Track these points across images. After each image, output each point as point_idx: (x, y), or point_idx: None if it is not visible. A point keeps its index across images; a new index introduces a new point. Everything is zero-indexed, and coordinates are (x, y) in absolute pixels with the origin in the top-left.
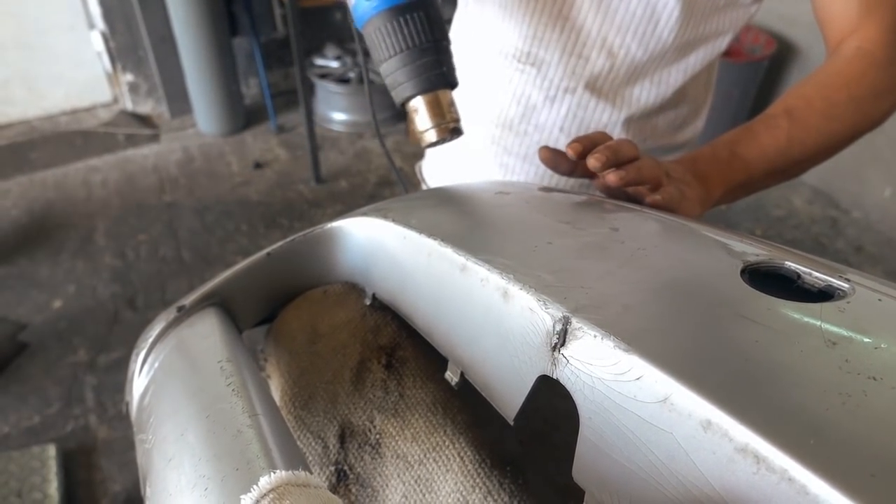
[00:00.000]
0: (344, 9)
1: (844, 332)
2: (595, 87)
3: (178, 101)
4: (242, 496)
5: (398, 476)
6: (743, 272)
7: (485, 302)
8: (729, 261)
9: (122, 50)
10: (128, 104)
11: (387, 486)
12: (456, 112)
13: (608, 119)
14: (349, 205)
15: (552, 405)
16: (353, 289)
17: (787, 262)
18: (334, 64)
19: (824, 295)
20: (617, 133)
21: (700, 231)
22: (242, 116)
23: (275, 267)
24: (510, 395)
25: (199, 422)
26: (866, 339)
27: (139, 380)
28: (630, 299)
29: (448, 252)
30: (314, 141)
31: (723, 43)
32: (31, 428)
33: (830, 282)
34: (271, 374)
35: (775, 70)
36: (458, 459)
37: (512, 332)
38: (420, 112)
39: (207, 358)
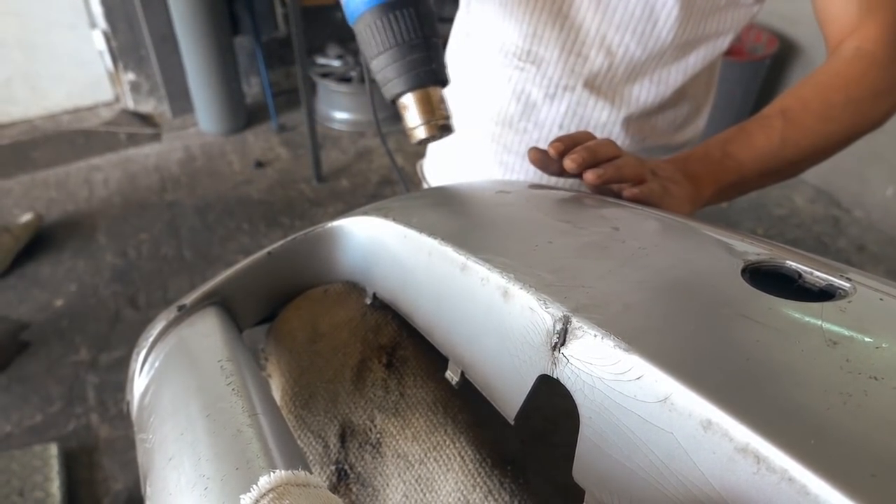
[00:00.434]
0: None
1: (845, 332)
2: (594, 85)
3: (180, 100)
4: (242, 496)
5: (399, 475)
6: (744, 271)
7: (485, 301)
8: (730, 260)
9: (123, 49)
10: (129, 103)
11: (387, 485)
12: (446, 109)
13: (608, 117)
14: (350, 204)
15: (552, 404)
16: (354, 288)
17: (787, 262)
18: (336, 63)
19: (825, 294)
20: (616, 132)
21: (701, 230)
22: (244, 115)
23: (275, 266)
24: (511, 394)
25: (199, 421)
26: (867, 339)
27: (140, 379)
28: (630, 299)
29: (448, 251)
30: (315, 140)
31: (724, 43)
32: (32, 427)
33: (831, 281)
34: (272, 373)
35: (777, 69)
36: (458, 459)
37: (512, 332)
38: (410, 109)
39: (208, 357)
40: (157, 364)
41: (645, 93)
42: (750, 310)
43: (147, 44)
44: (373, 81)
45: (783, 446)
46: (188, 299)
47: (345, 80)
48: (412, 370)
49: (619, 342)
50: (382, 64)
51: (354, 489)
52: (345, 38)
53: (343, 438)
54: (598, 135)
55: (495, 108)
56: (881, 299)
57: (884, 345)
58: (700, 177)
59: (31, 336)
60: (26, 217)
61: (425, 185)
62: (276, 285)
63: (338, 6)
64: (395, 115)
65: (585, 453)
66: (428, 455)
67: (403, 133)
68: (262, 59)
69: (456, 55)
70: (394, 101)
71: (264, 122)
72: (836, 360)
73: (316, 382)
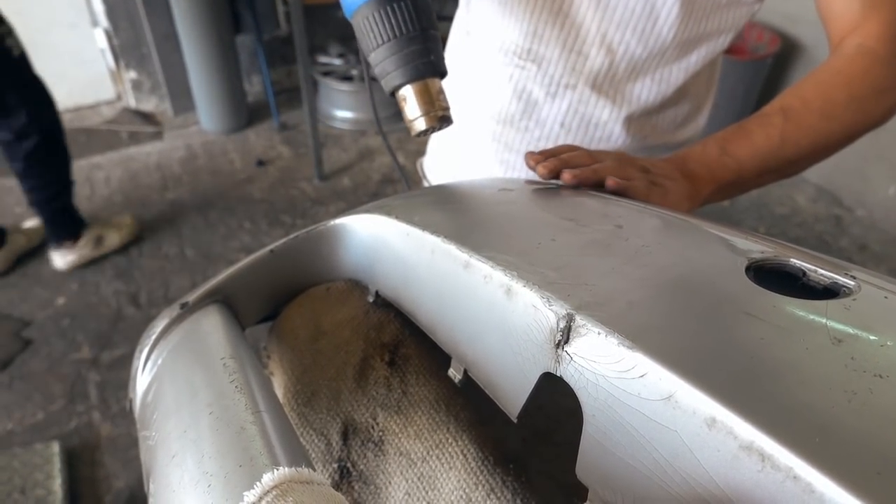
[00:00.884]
0: None
1: (850, 330)
2: (595, 83)
3: (182, 98)
4: (246, 493)
5: (401, 473)
6: (748, 269)
7: (488, 299)
8: (733, 258)
9: (125, 47)
10: (131, 102)
11: (390, 483)
12: (445, 101)
13: (609, 116)
14: (352, 202)
15: (555, 403)
16: (356, 286)
17: (792, 259)
18: (337, 61)
19: (829, 292)
20: (618, 130)
21: (704, 228)
22: (245, 114)
23: (278, 264)
24: (514, 392)
25: (202, 418)
26: (872, 337)
27: (142, 377)
28: (634, 296)
29: (451, 249)
30: (317, 138)
31: (725, 41)
32: (34, 425)
33: (836, 279)
34: (274, 371)
35: (780, 68)
36: (461, 457)
37: (515, 330)
38: (409, 101)
39: (211, 355)
40: (160, 361)
41: (646, 91)
42: (754, 307)
43: (149, 42)
44: (373, 79)
45: (788, 444)
46: (191, 297)
47: (346, 78)
48: (414, 368)
49: (623, 340)
50: (381, 57)
51: (357, 487)
52: (346, 36)
53: (345, 436)
54: (599, 133)
55: (496, 106)
56: (886, 297)
57: (889, 343)
58: (698, 175)
59: (32, 334)
60: (34, 222)
61: (425, 184)
62: (279, 283)
63: (338, 4)
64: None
65: (589, 451)
66: (430, 453)
67: (405, 131)
68: (264, 57)
69: (456, 54)
70: (393, 94)
71: (266, 121)
72: (840, 358)
73: (318, 380)
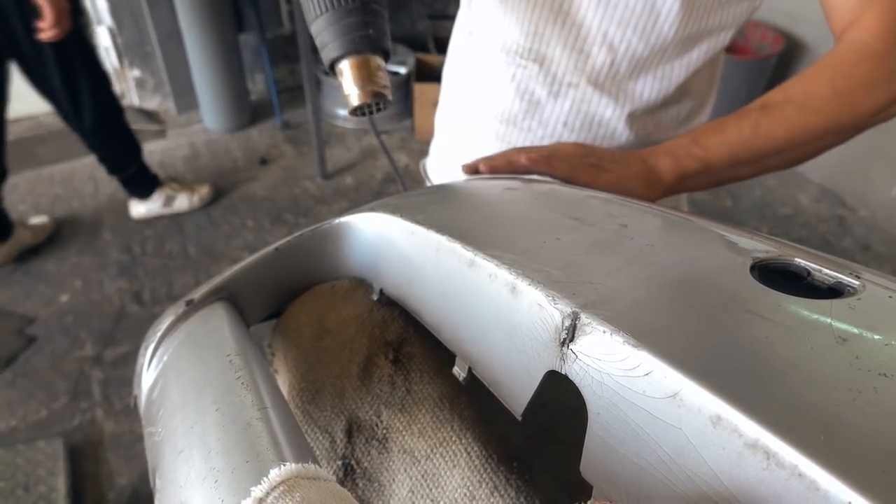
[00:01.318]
0: None
1: (855, 329)
2: (597, 82)
3: (185, 96)
4: (253, 488)
5: (405, 471)
6: (752, 269)
7: (493, 297)
8: (738, 257)
9: (128, 46)
10: (134, 100)
11: (394, 480)
12: (383, 79)
13: (611, 114)
14: (355, 201)
15: (559, 401)
16: (361, 284)
17: (796, 259)
18: None
19: (834, 292)
20: (620, 128)
21: (709, 228)
22: (248, 112)
23: (283, 262)
24: (518, 390)
25: (209, 414)
26: (877, 336)
27: (148, 373)
28: (639, 295)
29: (456, 247)
30: (320, 137)
31: (726, 37)
32: (38, 422)
33: (840, 279)
34: (278, 368)
35: (783, 67)
36: (464, 455)
37: (520, 328)
38: (345, 75)
39: (217, 351)
40: (165, 358)
41: (648, 88)
42: (759, 307)
43: (152, 41)
44: None
45: (793, 442)
46: (196, 294)
47: None
48: (418, 366)
49: (629, 338)
50: (319, 28)
51: (361, 484)
52: None
53: (349, 434)
54: (603, 131)
55: (499, 106)
56: (890, 297)
57: (893, 342)
58: (662, 163)
59: (36, 331)
60: (41, 219)
61: (428, 184)
62: (284, 281)
63: None
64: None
65: (593, 449)
66: (434, 451)
67: (407, 131)
68: (267, 56)
69: (459, 53)
70: (332, 68)
71: (269, 120)
72: (845, 357)
73: (322, 378)
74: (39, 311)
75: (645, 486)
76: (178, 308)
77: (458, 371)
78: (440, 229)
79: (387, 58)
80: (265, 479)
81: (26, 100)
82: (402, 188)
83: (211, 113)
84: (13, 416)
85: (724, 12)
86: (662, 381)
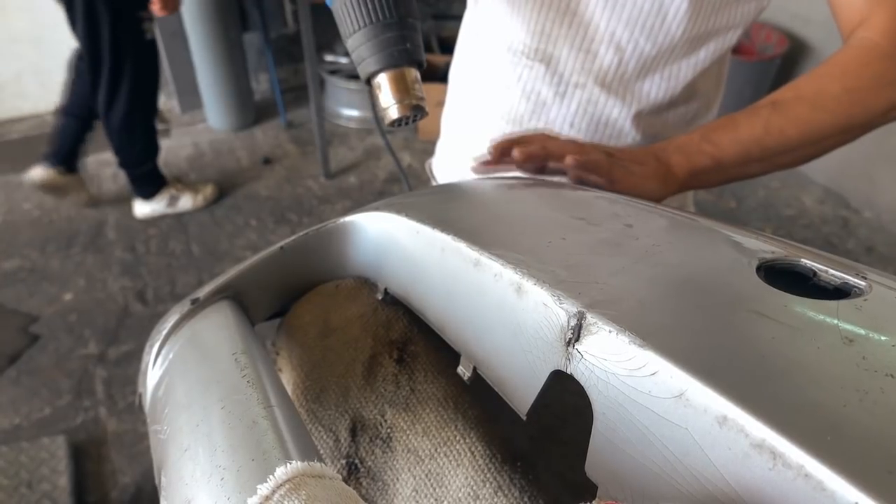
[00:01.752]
0: None
1: (861, 330)
2: (605, 82)
3: (189, 96)
4: (259, 486)
5: (409, 470)
6: (758, 269)
7: (498, 297)
8: (744, 257)
9: None
10: None
11: (397, 479)
12: (420, 91)
13: (618, 114)
14: (358, 201)
15: (563, 401)
16: (366, 283)
17: (802, 259)
18: (344, 60)
19: (840, 293)
20: (627, 128)
21: (715, 228)
22: (252, 112)
23: (288, 261)
24: (523, 390)
25: (214, 413)
26: (883, 337)
27: (153, 371)
28: (645, 295)
29: (461, 247)
30: (324, 136)
31: (733, 37)
32: (41, 419)
33: (847, 279)
34: (283, 367)
35: (788, 68)
36: (468, 454)
37: (525, 327)
38: (383, 88)
39: (222, 350)
40: (170, 356)
41: (655, 88)
42: (765, 307)
43: (157, 40)
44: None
45: (799, 442)
46: (201, 293)
47: (353, 77)
48: (423, 366)
49: (634, 338)
50: (357, 43)
51: (365, 483)
52: None
53: (354, 433)
54: (610, 131)
55: (505, 106)
56: None
57: None
58: (674, 160)
59: (40, 329)
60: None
61: (434, 184)
62: (289, 280)
63: None
64: None
65: (599, 449)
66: (438, 450)
67: (412, 130)
68: (271, 55)
69: (465, 53)
70: (368, 82)
71: (273, 119)
72: (852, 357)
73: (327, 377)
74: (43, 310)
75: (650, 486)
76: (184, 306)
77: (463, 370)
78: (445, 228)
79: (421, 69)
80: (271, 477)
81: (31, 99)
82: (406, 188)
83: (215, 112)
84: (17, 413)
85: (732, 12)
86: (668, 381)
